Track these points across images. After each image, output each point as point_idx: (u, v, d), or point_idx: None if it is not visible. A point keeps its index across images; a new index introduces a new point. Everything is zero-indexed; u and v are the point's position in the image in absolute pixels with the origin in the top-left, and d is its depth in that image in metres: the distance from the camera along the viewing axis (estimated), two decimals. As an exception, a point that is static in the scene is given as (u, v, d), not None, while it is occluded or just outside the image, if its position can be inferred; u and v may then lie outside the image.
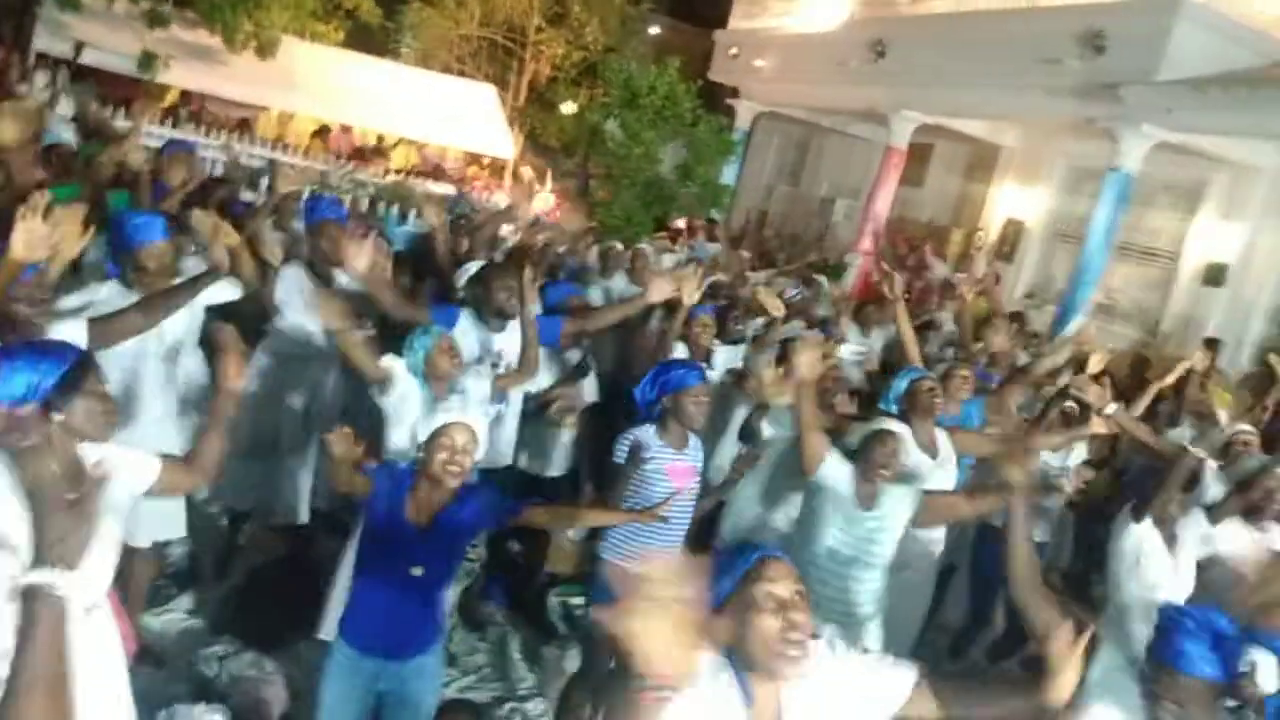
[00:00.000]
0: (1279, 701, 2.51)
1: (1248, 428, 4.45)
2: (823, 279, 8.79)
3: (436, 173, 15.61)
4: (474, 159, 16.08)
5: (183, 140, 7.87)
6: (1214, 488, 4.11)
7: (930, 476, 4.02)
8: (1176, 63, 8.67)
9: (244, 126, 14.15)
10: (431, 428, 2.67)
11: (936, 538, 4.12)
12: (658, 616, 1.29)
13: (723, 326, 5.44)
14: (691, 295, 4.34)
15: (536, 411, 4.46)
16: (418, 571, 2.62)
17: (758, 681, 1.64)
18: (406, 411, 3.41)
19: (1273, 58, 8.82)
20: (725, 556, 1.74)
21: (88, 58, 11.37)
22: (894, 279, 5.26)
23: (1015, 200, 12.46)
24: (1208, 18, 8.69)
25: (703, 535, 4.86)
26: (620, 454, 3.38)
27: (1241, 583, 3.68)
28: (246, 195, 7.94)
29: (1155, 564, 3.68)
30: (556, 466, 4.80)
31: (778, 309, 5.26)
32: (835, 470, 3.38)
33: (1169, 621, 2.21)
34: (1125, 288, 11.03)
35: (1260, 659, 2.44)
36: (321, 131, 15.19)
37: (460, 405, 2.87)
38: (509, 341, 4.07)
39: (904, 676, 1.78)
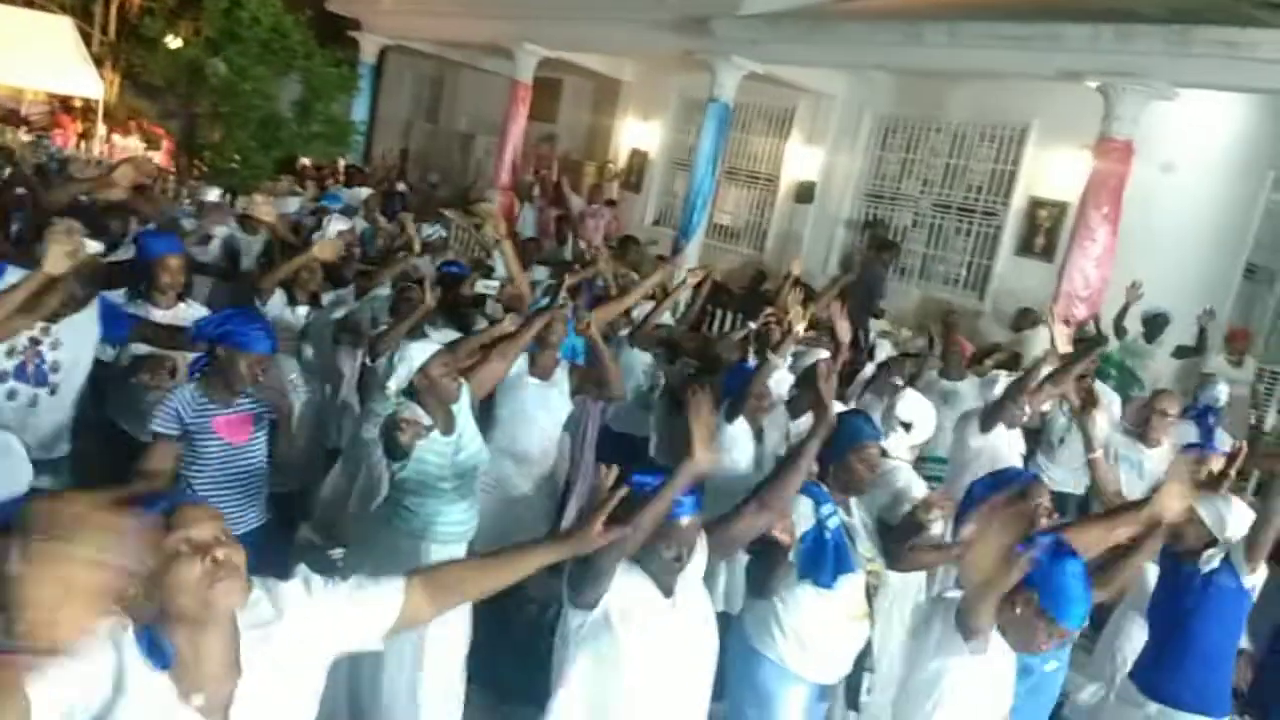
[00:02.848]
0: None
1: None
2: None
3: (12, 119, 13.57)
4: (63, 102, 14.14)
5: None
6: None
7: (545, 398, 4.25)
8: (757, -1, 9.50)
9: None
10: None
11: (544, 424, 4.28)
12: (61, 570, 1.16)
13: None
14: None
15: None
16: None
17: (189, 637, 1.51)
18: None
19: (835, -6, 9.91)
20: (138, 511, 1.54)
21: None
22: (497, 222, 5.54)
23: (638, 132, 13.11)
24: (782, -45, 9.55)
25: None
26: (161, 423, 3.12)
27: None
28: None
29: (741, 453, 4.14)
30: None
31: (326, 252, 5.06)
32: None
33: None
34: (735, 209, 12.08)
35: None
36: None
37: None
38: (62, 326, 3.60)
39: (390, 589, 1.75)
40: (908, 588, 3.75)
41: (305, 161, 11.31)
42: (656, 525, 2.26)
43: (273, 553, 3.32)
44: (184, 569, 1.48)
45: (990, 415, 4.51)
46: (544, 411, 4.25)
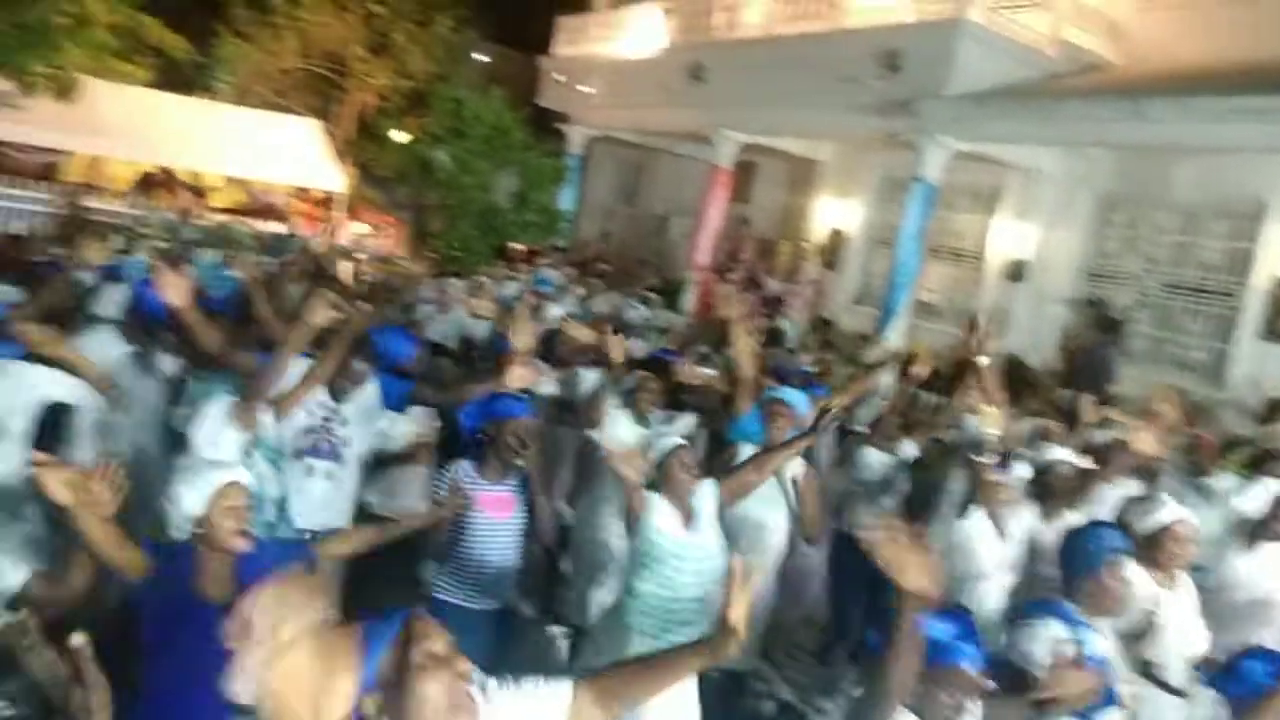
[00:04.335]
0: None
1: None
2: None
3: (266, 211, 15.16)
4: (302, 194, 15.70)
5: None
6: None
7: (769, 495, 4.04)
8: (963, 78, 9.40)
9: (48, 173, 13.39)
10: (208, 483, 2.48)
11: (772, 526, 4.12)
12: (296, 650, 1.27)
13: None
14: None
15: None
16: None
17: None
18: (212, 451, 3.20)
19: (1045, 71, 9.68)
20: (370, 626, 1.65)
21: None
22: (731, 299, 5.45)
23: (835, 211, 13.12)
24: (987, 37, 9.45)
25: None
26: (440, 490, 3.42)
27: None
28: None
29: (984, 552, 3.84)
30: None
31: (585, 336, 5.30)
32: (654, 510, 3.30)
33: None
34: (940, 287, 11.81)
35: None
36: (162, 179, 14.38)
37: (256, 461, 2.78)
38: (349, 406, 3.92)
39: (558, 692, 1.79)
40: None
41: (514, 245, 12.00)
42: (936, 672, 2.19)
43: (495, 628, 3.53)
44: (427, 682, 1.54)
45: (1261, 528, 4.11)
46: (767, 508, 4.05)
